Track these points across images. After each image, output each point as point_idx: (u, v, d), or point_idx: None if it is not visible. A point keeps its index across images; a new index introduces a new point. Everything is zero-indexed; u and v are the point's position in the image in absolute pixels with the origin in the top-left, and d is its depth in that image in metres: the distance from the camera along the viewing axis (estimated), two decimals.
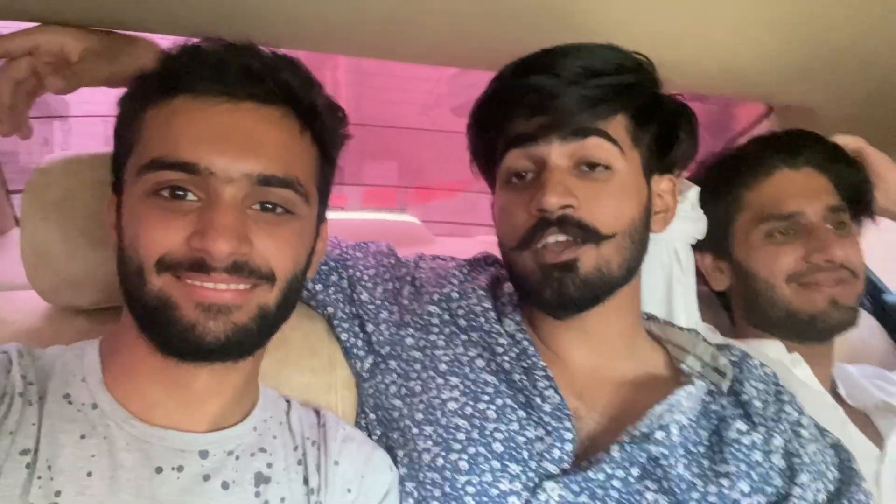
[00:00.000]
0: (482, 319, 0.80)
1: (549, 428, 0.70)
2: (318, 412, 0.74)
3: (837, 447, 0.77)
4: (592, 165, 0.72)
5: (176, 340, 0.58)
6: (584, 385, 0.75)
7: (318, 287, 0.86)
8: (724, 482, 0.68)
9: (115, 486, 0.56)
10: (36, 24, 0.73)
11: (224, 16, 0.77)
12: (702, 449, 0.71)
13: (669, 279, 0.96)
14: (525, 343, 0.76)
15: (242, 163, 0.58)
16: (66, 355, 0.63)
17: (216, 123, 0.59)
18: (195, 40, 0.63)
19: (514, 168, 0.75)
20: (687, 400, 0.71)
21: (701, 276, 1.02)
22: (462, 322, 0.81)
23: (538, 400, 0.72)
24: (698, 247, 0.99)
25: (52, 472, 0.55)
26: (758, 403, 0.75)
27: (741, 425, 0.72)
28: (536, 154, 0.73)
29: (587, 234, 0.71)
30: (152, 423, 0.60)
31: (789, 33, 0.89)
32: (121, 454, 0.57)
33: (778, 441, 0.72)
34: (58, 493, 0.54)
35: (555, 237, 0.71)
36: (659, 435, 0.68)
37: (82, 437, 0.57)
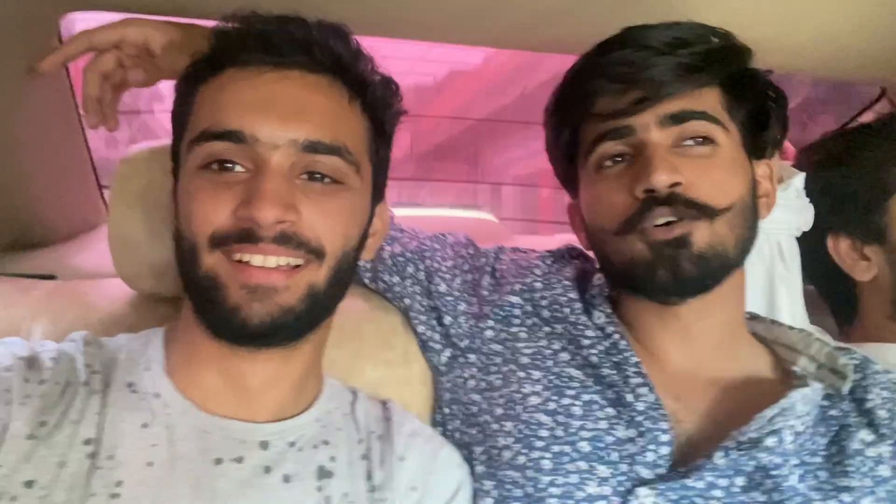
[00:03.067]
0: (567, 311, 0.76)
1: (643, 429, 0.64)
2: (384, 404, 0.72)
3: None
4: (694, 139, 0.67)
5: (222, 323, 0.57)
6: (682, 386, 0.70)
7: (395, 279, 0.84)
8: (846, 498, 0.61)
9: (174, 477, 0.55)
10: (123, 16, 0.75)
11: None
12: (819, 459, 0.64)
13: (771, 276, 0.88)
14: (616, 336, 0.71)
15: (288, 129, 0.57)
16: (131, 344, 0.63)
17: (262, 91, 0.58)
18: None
19: (607, 153, 0.70)
20: (802, 403, 0.64)
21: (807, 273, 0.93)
22: (545, 313, 0.77)
23: (630, 397, 0.67)
24: (829, 232, 0.91)
25: (114, 462, 0.55)
26: (884, 413, 0.67)
27: (866, 435, 0.65)
28: (632, 131, 0.68)
29: (699, 211, 0.66)
30: (213, 413, 0.59)
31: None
32: (181, 444, 0.57)
33: None
34: (119, 483, 0.54)
35: (664, 217, 0.66)
36: (770, 441, 0.61)
37: (144, 426, 0.57)
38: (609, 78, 0.69)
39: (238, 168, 0.57)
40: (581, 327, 0.74)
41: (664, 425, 0.64)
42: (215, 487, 0.56)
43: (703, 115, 0.67)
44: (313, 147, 0.58)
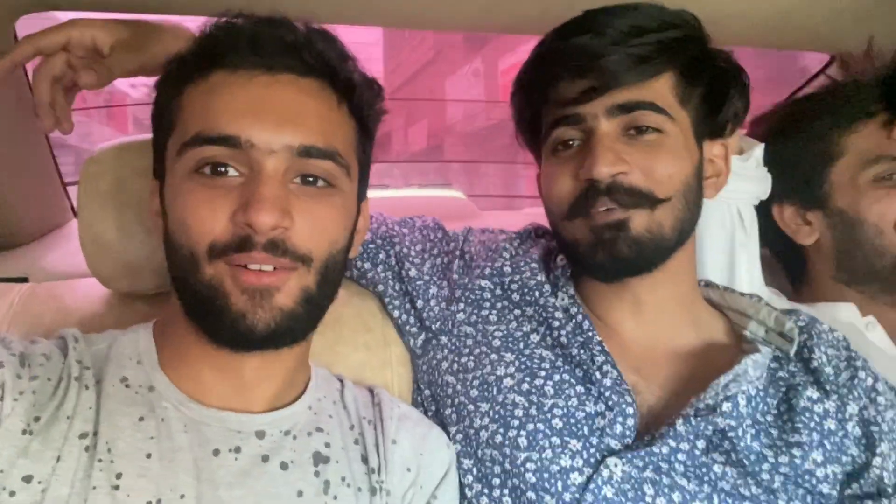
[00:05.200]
0: (536, 294, 0.79)
1: (611, 403, 0.68)
2: (371, 391, 0.74)
3: None
4: (641, 129, 0.70)
5: (227, 331, 0.57)
6: (640, 359, 0.73)
7: (367, 266, 0.85)
8: (797, 452, 0.65)
9: (174, 468, 0.56)
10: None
11: None
12: (771, 419, 0.68)
13: (732, 243, 0.91)
14: (580, 317, 0.75)
15: (283, 134, 0.57)
16: (120, 340, 0.63)
17: (255, 96, 0.58)
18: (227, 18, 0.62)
19: (560, 138, 0.73)
20: (753, 369, 0.68)
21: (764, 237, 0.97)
22: (515, 297, 0.80)
23: (597, 374, 0.70)
24: (774, 200, 0.94)
25: (112, 455, 0.55)
26: (829, 370, 0.71)
27: (812, 393, 0.69)
28: (582, 119, 0.71)
29: (640, 199, 0.68)
30: (208, 405, 0.60)
31: None
32: (178, 436, 0.58)
33: (852, 408, 0.68)
34: (119, 476, 0.54)
35: (605, 206, 0.69)
36: (725, 406, 0.65)
37: (140, 419, 0.58)
38: (564, 66, 0.71)
39: (232, 172, 0.57)
40: (550, 309, 0.77)
41: (629, 399, 0.68)
42: (215, 478, 0.57)
43: (650, 106, 0.69)
44: (307, 152, 0.58)
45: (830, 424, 0.67)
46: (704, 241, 0.88)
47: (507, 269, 0.82)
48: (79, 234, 0.75)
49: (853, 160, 0.91)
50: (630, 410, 0.68)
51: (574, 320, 0.75)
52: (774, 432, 0.67)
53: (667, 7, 0.71)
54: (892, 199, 0.88)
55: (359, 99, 0.65)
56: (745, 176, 0.89)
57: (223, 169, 0.57)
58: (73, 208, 1.22)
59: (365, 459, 0.66)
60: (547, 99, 0.74)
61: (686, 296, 0.77)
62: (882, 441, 0.67)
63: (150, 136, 0.65)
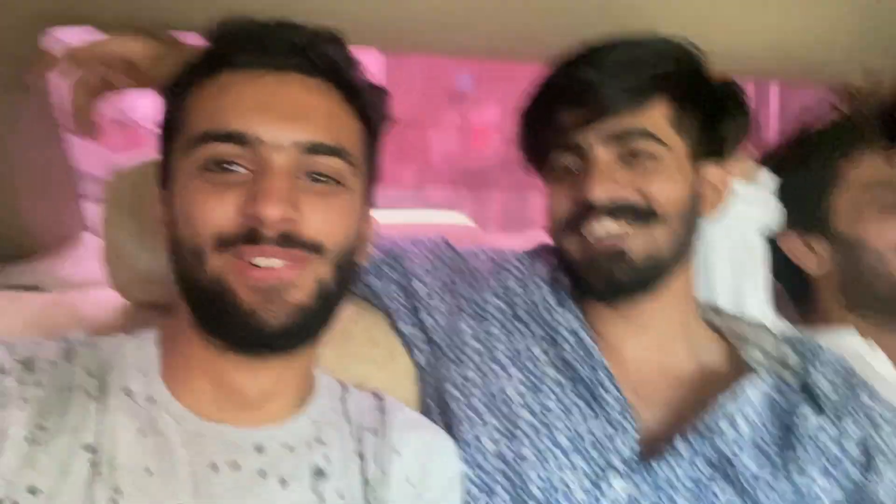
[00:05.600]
0: (543, 311, 0.80)
1: (614, 422, 0.69)
2: (377, 395, 0.72)
3: None
4: (637, 154, 0.73)
5: (237, 329, 0.56)
6: (639, 379, 0.75)
7: (375, 282, 0.87)
8: (797, 476, 0.66)
9: (172, 483, 0.55)
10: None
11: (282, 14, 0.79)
12: (771, 442, 0.69)
13: (738, 270, 0.92)
14: (585, 336, 0.76)
15: (291, 130, 0.58)
16: (126, 346, 0.62)
17: (263, 93, 0.59)
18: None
19: (561, 163, 0.77)
20: (752, 391, 0.70)
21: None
22: (523, 314, 0.81)
23: (601, 393, 0.71)
24: (781, 228, 0.96)
25: (113, 468, 0.54)
26: (831, 395, 0.72)
27: (813, 418, 0.70)
28: (580, 145, 0.74)
29: (637, 216, 0.72)
30: (208, 419, 0.59)
31: (840, 7, 0.86)
32: (178, 450, 0.57)
33: (854, 433, 0.69)
34: (118, 490, 0.53)
35: (605, 228, 0.72)
36: (724, 425, 0.67)
37: (141, 432, 0.57)
38: (564, 96, 0.76)
39: (240, 169, 0.57)
40: (556, 327, 0.78)
41: (631, 418, 0.69)
42: (213, 493, 0.56)
43: (643, 133, 0.73)
44: (315, 148, 0.59)
45: (833, 449, 0.68)
46: (714, 268, 0.90)
47: (515, 285, 0.84)
48: (103, 245, 0.77)
49: (854, 186, 0.93)
50: (632, 430, 0.69)
51: (580, 339, 0.76)
52: (775, 456, 0.68)
53: (666, 38, 0.75)
54: (892, 224, 0.90)
55: (365, 101, 0.65)
56: (751, 202, 0.90)
57: (231, 166, 0.57)
58: (83, 222, 1.24)
59: (364, 471, 0.64)
60: (548, 126, 0.77)
61: (687, 317, 0.79)
62: (887, 468, 0.67)
63: None
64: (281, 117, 0.58)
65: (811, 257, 0.97)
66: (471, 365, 0.77)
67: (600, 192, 0.71)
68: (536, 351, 0.77)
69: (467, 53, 1.02)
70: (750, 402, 0.69)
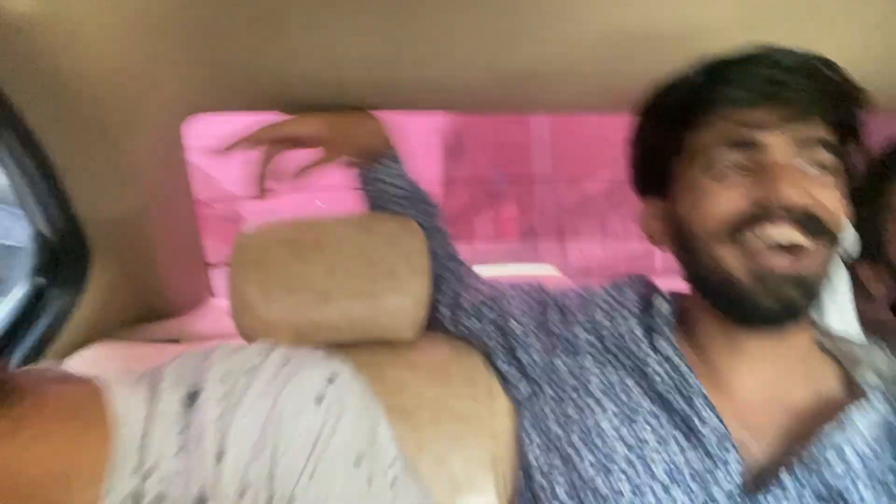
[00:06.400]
0: (632, 344, 0.80)
1: (712, 453, 0.67)
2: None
3: None
4: (818, 165, 0.68)
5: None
6: (751, 413, 0.71)
7: (475, 323, 0.92)
8: None
9: None
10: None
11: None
12: (892, 477, 0.64)
13: (831, 296, 0.91)
14: (681, 365, 0.74)
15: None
16: None
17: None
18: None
19: (729, 161, 0.68)
20: (861, 416, 0.65)
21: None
22: (611, 346, 0.82)
23: (699, 426, 0.69)
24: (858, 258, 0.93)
25: None
26: None
27: None
28: (761, 146, 0.67)
29: (823, 230, 0.65)
30: None
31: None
32: None
33: None
34: None
35: (786, 235, 0.64)
36: (830, 457, 0.63)
37: None
38: (748, 89, 0.67)
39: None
40: (646, 358, 0.77)
41: (731, 449, 0.66)
42: None
43: (829, 145, 0.68)
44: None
45: None
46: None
47: (603, 318, 0.85)
48: (228, 294, 0.88)
49: None
50: (734, 461, 0.66)
51: (675, 368, 0.74)
52: (894, 486, 0.63)
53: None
54: None
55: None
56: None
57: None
58: (211, 286, 1.39)
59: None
60: (711, 120, 0.70)
61: (806, 346, 0.75)
62: None
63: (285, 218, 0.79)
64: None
65: (877, 287, 0.94)
66: (567, 400, 0.78)
67: (792, 193, 0.64)
68: (630, 382, 0.77)
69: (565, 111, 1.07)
70: (858, 431, 0.65)
